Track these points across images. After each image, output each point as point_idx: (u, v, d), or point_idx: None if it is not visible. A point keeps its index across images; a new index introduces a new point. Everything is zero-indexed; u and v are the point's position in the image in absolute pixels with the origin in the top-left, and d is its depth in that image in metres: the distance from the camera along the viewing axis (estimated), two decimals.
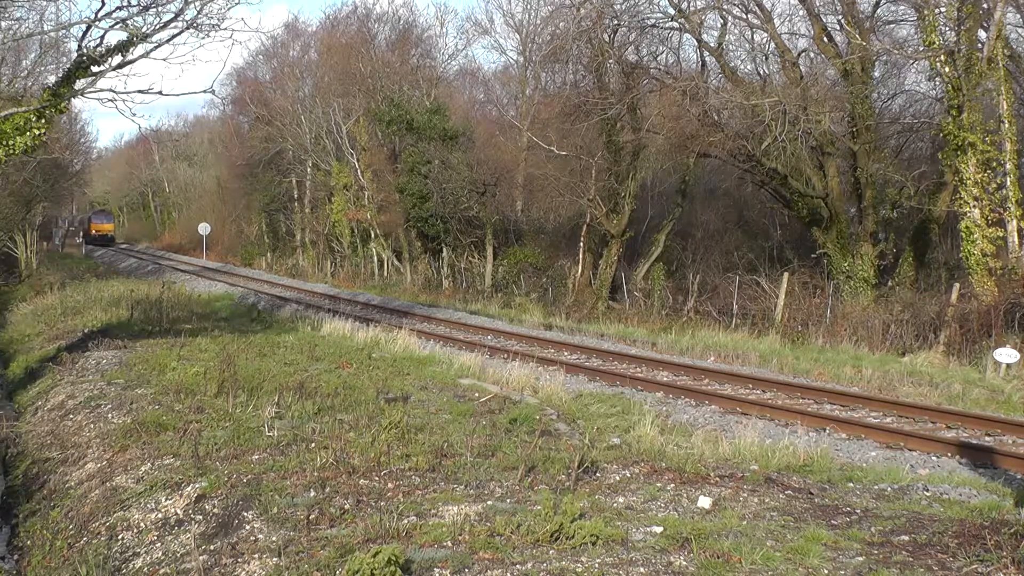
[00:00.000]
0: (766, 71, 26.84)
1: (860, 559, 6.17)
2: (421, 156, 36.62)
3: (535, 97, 37.36)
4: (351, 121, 42.40)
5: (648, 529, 6.74)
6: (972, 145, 19.80)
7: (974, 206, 20.01)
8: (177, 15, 14.76)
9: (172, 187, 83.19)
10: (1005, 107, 20.00)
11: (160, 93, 15.39)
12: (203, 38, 15.18)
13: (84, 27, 14.72)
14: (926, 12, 20.72)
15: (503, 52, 78.61)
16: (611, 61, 27.61)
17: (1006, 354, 16.50)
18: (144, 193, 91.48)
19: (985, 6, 20.41)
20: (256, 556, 6.49)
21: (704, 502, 7.46)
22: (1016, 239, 19.77)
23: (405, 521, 6.86)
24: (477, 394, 12.73)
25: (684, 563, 6.03)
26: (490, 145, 37.03)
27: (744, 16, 25.91)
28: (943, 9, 20.81)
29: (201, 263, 53.71)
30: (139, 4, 14.59)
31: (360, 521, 6.92)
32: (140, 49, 14.93)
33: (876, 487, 8.45)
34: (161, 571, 6.81)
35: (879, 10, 26.71)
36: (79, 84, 15.19)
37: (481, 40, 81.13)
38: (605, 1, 26.37)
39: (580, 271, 30.44)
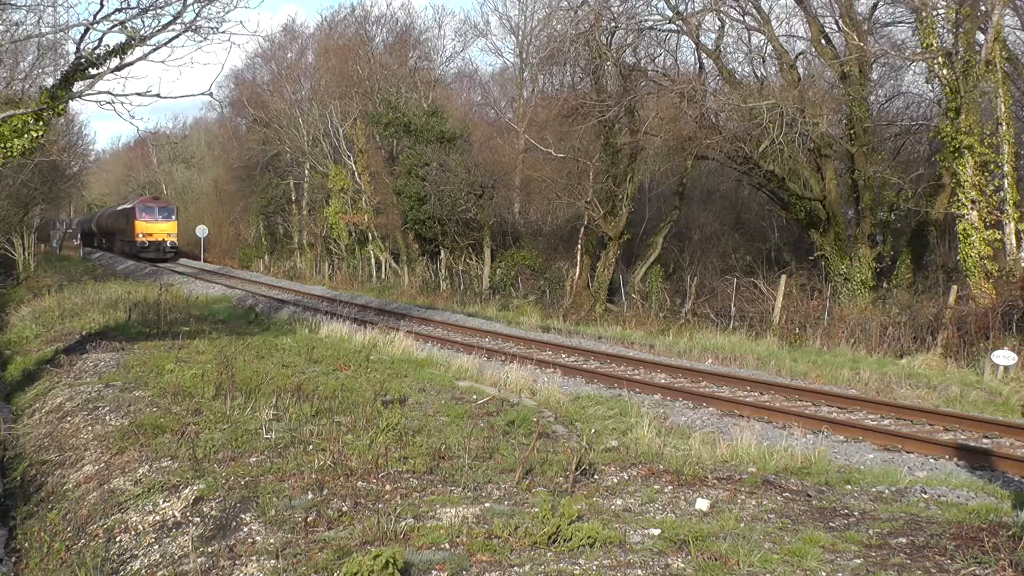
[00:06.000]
0: (764, 73, 26.90)
1: (858, 561, 6.17)
2: (419, 158, 36.63)
3: (532, 99, 37.41)
4: (348, 123, 42.41)
5: (646, 531, 6.73)
6: (970, 147, 19.83)
7: (972, 208, 20.04)
8: (175, 18, 14.79)
9: (170, 189, 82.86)
10: (1003, 109, 20.04)
11: (158, 95, 15.42)
12: (201, 41, 15.21)
13: (82, 29, 14.75)
14: (924, 14, 20.76)
15: (500, 54, 78.86)
16: (609, 63, 27.64)
17: (1004, 356, 16.53)
18: (141, 195, 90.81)
19: (983, 8, 20.45)
20: (254, 558, 6.48)
21: (702, 504, 7.46)
22: (1014, 241, 19.81)
23: (403, 523, 6.86)
24: (475, 396, 12.72)
25: (682, 565, 6.03)
26: (488, 147, 37.07)
27: (742, 18, 25.97)
28: (941, 11, 20.85)
29: (199, 265, 53.62)
30: (138, 7, 14.61)
31: (358, 523, 6.92)
32: (138, 51, 14.95)
33: (874, 489, 8.45)
34: (159, 573, 6.80)
35: (877, 12, 26.83)
36: (77, 86, 15.20)
37: (478, 42, 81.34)
38: (603, 3, 26.40)
39: (578, 273, 30.45)
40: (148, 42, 14.89)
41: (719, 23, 27.07)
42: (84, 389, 13.27)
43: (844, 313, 22.04)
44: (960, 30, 20.41)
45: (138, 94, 15.17)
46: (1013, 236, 19.80)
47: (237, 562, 6.50)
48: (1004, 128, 19.99)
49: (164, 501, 8.00)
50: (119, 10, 14.67)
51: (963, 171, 20.10)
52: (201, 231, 58.06)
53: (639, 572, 5.93)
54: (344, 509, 7.29)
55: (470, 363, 16.25)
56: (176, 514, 7.73)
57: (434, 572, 5.99)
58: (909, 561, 6.18)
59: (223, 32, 15.17)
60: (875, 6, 26.68)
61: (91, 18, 14.58)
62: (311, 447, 9.15)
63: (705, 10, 26.29)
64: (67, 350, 17.42)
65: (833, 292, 23.52)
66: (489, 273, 34.28)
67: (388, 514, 6.96)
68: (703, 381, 16.31)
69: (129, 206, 56.88)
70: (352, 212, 42.84)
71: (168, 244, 54.39)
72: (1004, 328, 18.32)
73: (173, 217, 55.45)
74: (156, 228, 54.04)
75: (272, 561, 6.33)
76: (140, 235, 53.66)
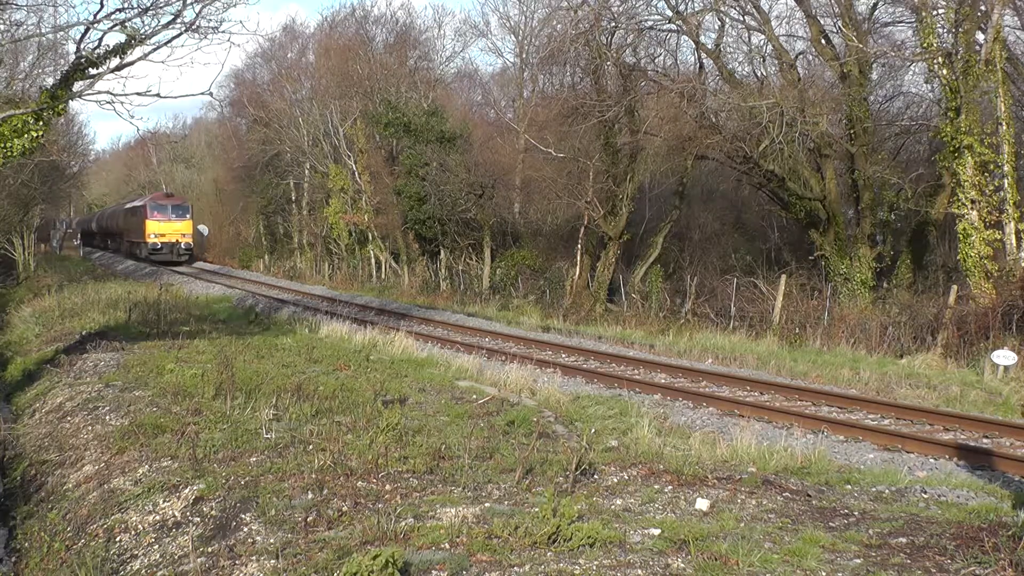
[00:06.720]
0: (764, 73, 26.88)
1: (858, 561, 6.17)
2: (419, 158, 36.62)
3: (532, 99, 37.40)
4: (348, 123, 42.41)
5: (646, 531, 6.74)
6: (970, 147, 19.83)
7: (972, 208, 20.03)
8: (176, 17, 14.79)
9: (170, 189, 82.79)
10: (1003, 109, 20.02)
11: (158, 95, 15.42)
12: (201, 40, 15.22)
13: (83, 29, 14.76)
14: (924, 14, 20.74)
15: (500, 54, 78.87)
16: (609, 63, 27.62)
17: (1004, 356, 16.53)
18: (141, 195, 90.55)
19: (983, 8, 20.43)
20: (254, 558, 6.48)
21: (702, 504, 7.47)
22: (1014, 241, 19.80)
23: (403, 523, 6.86)
24: (475, 396, 12.72)
25: (682, 565, 6.03)
26: (488, 147, 37.04)
27: (742, 18, 25.95)
28: (941, 11, 20.84)
29: (199, 265, 53.56)
30: (138, 6, 14.62)
31: (358, 523, 6.92)
32: (138, 51, 14.97)
33: (874, 489, 8.45)
34: (159, 573, 6.80)
35: (876, 12, 26.82)
36: (77, 86, 15.21)
37: (478, 42, 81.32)
38: (603, 3, 26.39)
39: (578, 273, 30.44)
40: (148, 42, 14.90)
41: (719, 23, 27.07)
42: (84, 389, 13.27)
43: (844, 313, 22.04)
44: (960, 30, 20.39)
45: (138, 94, 15.20)
46: (1013, 236, 19.79)
47: (237, 562, 6.50)
48: (1004, 128, 19.97)
49: (164, 501, 8.00)
50: (119, 10, 14.70)
51: (963, 171, 20.09)
52: (202, 230, 57.81)
53: (639, 572, 5.93)
54: (344, 509, 7.29)
55: (470, 363, 16.25)
56: (176, 514, 7.73)
57: (434, 572, 5.99)
58: (909, 561, 6.18)
59: (223, 31, 15.21)
60: (875, 6, 26.69)
61: (91, 18, 14.60)
62: (311, 447, 9.15)
63: (705, 10, 26.27)
64: (67, 350, 17.42)
65: (833, 292, 23.51)
66: (489, 273, 34.27)
67: (388, 514, 6.96)
68: (703, 381, 16.30)
69: (139, 204, 52.46)
70: (352, 212, 42.84)
71: (183, 246, 50.41)
72: (1004, 328, 18.32)
73: (188, 216, 51.24)
74: (169, 228, 49.86)
75: (272, 561, 6.33)
76: (152, 236, 49.43)
